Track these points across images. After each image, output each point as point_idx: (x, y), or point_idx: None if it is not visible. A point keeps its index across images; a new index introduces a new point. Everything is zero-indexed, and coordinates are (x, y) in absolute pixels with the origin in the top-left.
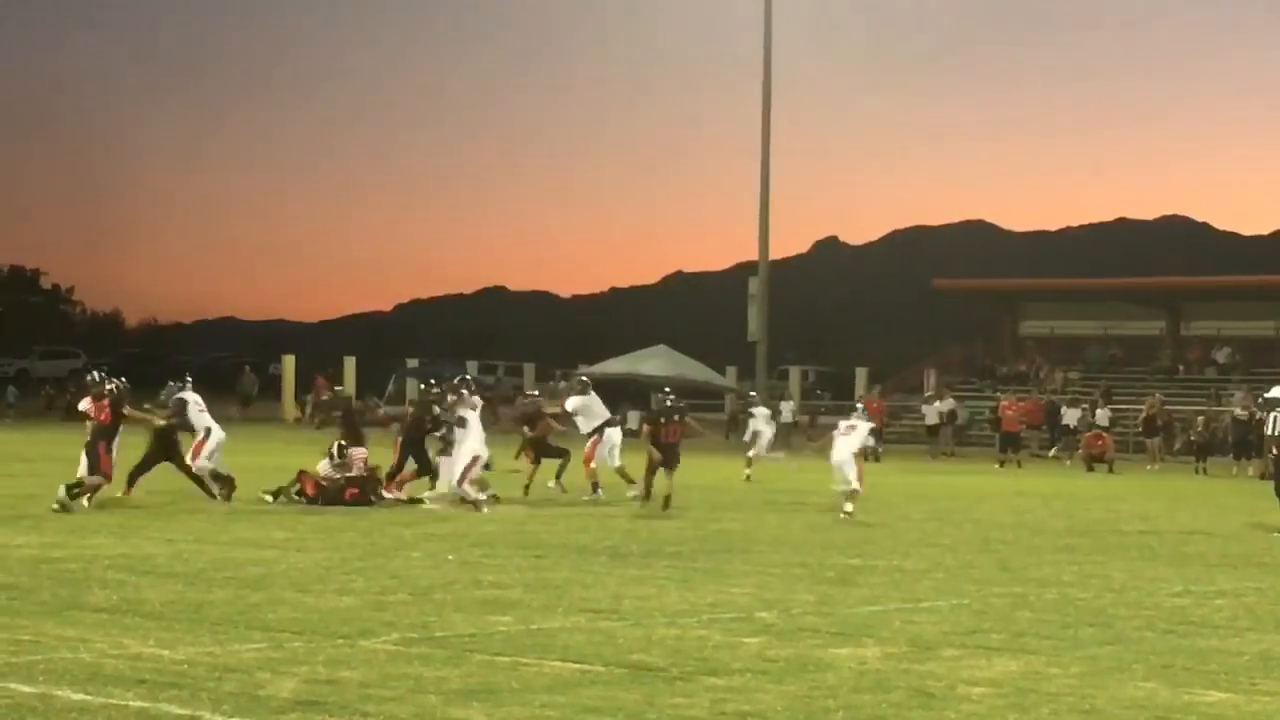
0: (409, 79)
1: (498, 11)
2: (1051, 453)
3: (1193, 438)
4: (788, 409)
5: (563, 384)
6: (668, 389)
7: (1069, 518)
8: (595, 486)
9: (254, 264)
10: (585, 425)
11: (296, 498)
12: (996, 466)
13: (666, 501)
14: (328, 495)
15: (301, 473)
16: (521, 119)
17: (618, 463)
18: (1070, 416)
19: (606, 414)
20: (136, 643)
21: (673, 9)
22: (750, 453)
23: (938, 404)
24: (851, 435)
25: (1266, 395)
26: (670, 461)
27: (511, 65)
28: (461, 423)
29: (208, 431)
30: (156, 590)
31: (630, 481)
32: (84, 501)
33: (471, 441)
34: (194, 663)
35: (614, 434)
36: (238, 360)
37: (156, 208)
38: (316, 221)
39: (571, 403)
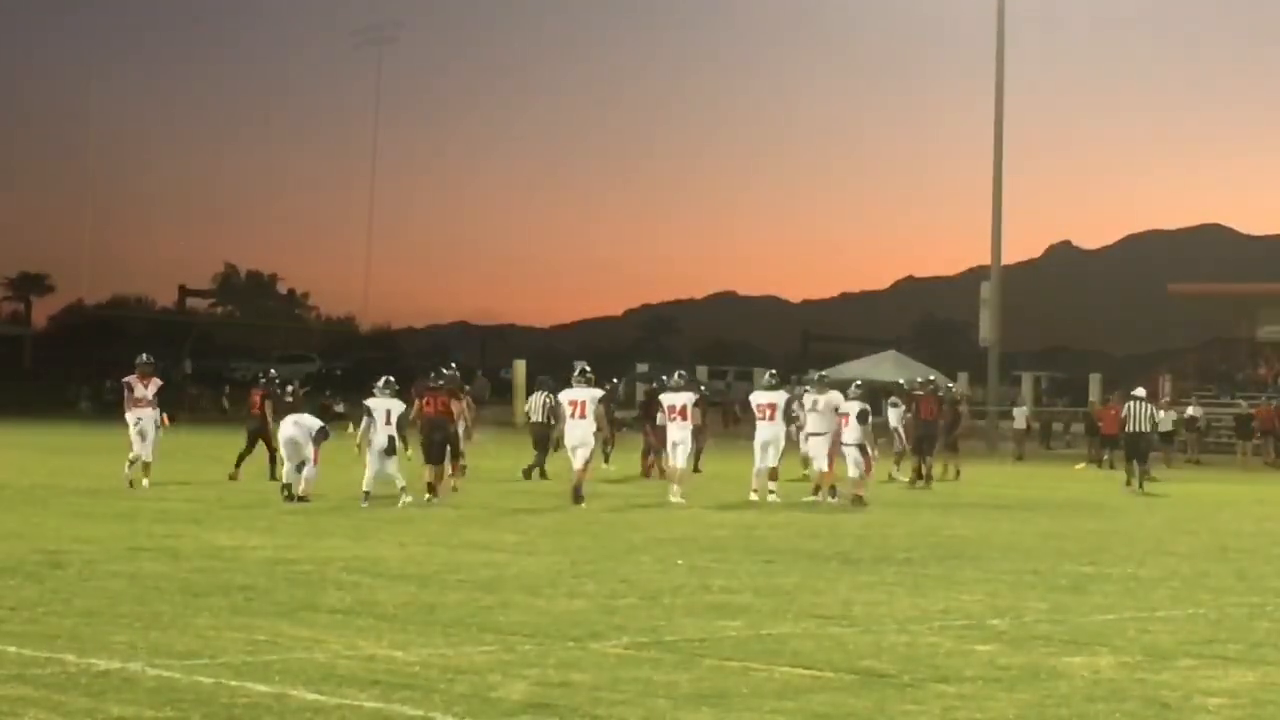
0: (640, 90)
1: (731, 20)
2: None
3: None
4: (1021, 414)
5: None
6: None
7: None
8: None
9: (486, 270)
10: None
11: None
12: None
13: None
14: None
15: None
16: (752, 127)
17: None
18: None
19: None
20: (370, 644)
21: (906, 15)
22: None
23: (1174, 411)
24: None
25: None
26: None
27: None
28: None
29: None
30: (389, 592)
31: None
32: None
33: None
34: (426, 664)
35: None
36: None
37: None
38: (549, 228)
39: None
